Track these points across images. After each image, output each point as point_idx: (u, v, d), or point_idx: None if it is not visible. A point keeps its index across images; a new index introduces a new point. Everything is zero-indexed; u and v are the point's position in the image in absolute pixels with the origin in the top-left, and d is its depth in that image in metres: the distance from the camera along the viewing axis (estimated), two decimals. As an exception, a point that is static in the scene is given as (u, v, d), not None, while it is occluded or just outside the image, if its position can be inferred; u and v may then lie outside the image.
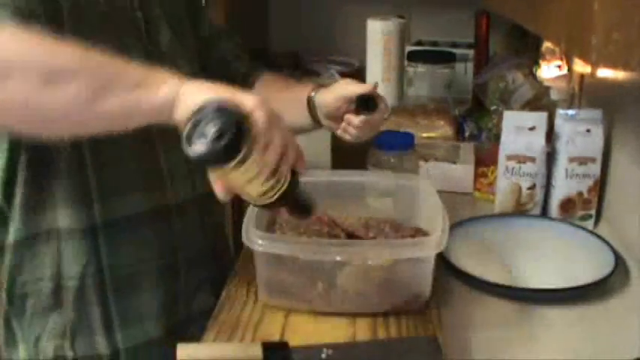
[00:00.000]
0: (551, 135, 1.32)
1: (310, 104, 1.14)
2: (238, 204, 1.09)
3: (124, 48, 0.85)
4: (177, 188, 1.04)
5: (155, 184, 1.02)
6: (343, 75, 2.22)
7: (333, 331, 0.91)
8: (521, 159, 1.31)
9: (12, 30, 0.76)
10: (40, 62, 0.74)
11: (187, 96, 0.75)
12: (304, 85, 1.19)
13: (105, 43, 0.76)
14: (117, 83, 0.76)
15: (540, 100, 1.61)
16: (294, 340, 0.89)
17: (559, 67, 1.59)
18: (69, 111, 0.75)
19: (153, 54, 0.99)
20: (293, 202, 0.85)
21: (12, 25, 0.78)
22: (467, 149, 1.55)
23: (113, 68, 0.76)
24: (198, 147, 0.71)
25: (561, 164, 1.29)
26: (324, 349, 0.86)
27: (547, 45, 1.63)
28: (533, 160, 1.30)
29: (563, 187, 1.29)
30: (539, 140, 1.30)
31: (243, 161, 0.72)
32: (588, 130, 1.27)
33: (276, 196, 0.79)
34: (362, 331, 0.92)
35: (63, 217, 0.96)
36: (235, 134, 0.70)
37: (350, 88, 1.12)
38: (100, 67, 0.76)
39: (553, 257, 1.15)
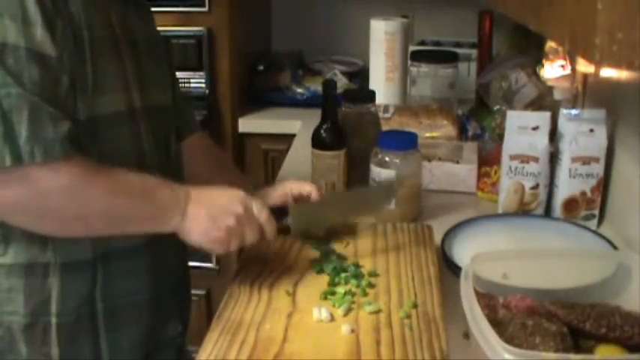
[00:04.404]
0: (554, 135, 1.32)
1: None
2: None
3: (124, 69, 0.98)
4: None
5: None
6: (346, 74, 2.23)
7: (336, 331, 0.91)
8: (525, 159, 1.30)
9: (57, 175, 0.87)
10: (74, 209, 0.90)
11: (191, 235, 0.96)
12: (237, 176, 1.22)
13: (113, 64, 0.96)
14: (132, 220, 0.94)
15: (544, 100, 1.60)
16: (297, 340, 0.89)
17: (562, 66, 1.58)
18: (87, 234, 0.95)
19: (142, 73, 1.02)
20: None
21: (61, 161, 0.87)
22: (470, 149, 1.55)
23: (131, 209, 0.93)
24: None
25: (565, 164, 1.28)
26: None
27: (550, 44, 1.62)
28: (536, 159, 1.30)
29: (566, 187, 1.29)
30: (542, 140, 1.30)
31: None
32: (592, 130, 1.27)
33: None
34: (365, 330, 0.92)
35: (60, 251, 0.95)
36: None
37: (293, 186, 1.13)
38: (121, 209, 0.92)
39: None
